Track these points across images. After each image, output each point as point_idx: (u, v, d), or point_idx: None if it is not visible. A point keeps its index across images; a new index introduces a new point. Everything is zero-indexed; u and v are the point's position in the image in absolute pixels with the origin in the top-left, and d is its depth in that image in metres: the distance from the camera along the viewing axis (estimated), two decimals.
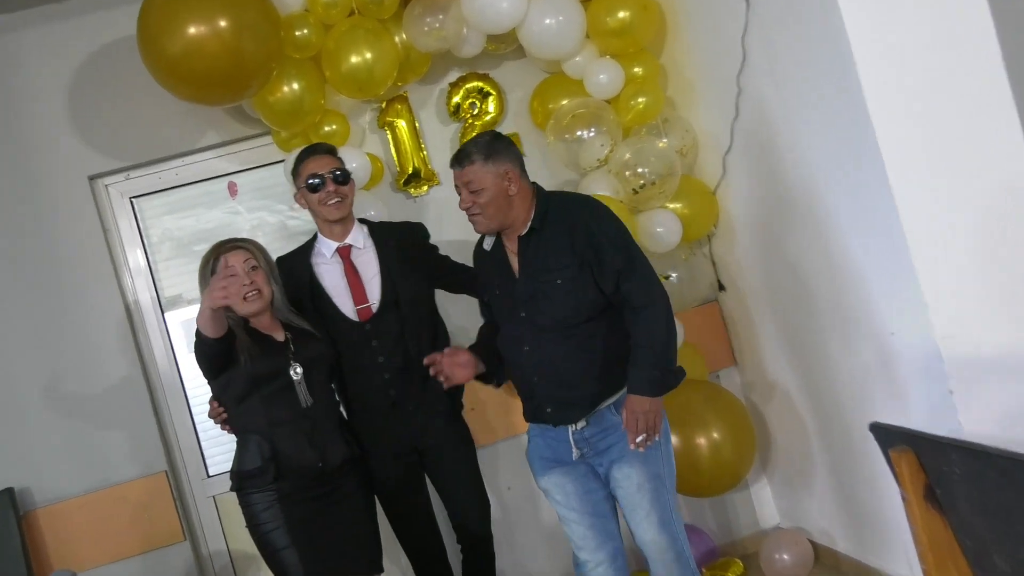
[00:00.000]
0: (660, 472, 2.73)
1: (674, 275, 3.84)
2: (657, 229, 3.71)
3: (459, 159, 2.72)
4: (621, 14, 3.68)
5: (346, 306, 3.01)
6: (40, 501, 3.64)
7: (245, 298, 2.78)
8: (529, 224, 2.71)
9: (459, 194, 2.74)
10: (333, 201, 2.98)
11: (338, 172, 3.01)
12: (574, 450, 2.75)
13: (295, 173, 3.06)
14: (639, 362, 2.62)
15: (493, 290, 2.86)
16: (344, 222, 3.07)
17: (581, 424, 2.72)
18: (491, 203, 2.68)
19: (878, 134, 2.58)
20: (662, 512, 2.71)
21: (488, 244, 2.84)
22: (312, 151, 3.05)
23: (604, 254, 2.64)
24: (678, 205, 3.78)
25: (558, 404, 2.73)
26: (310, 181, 2.98)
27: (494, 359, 2.88)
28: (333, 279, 3.04)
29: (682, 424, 3.57)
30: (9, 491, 3.53)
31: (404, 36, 3.63)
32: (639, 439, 2.59)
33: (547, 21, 3.59)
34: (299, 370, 2.87)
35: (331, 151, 3.09)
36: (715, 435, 3.61)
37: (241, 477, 2.87)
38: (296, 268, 3.12)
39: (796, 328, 3.52)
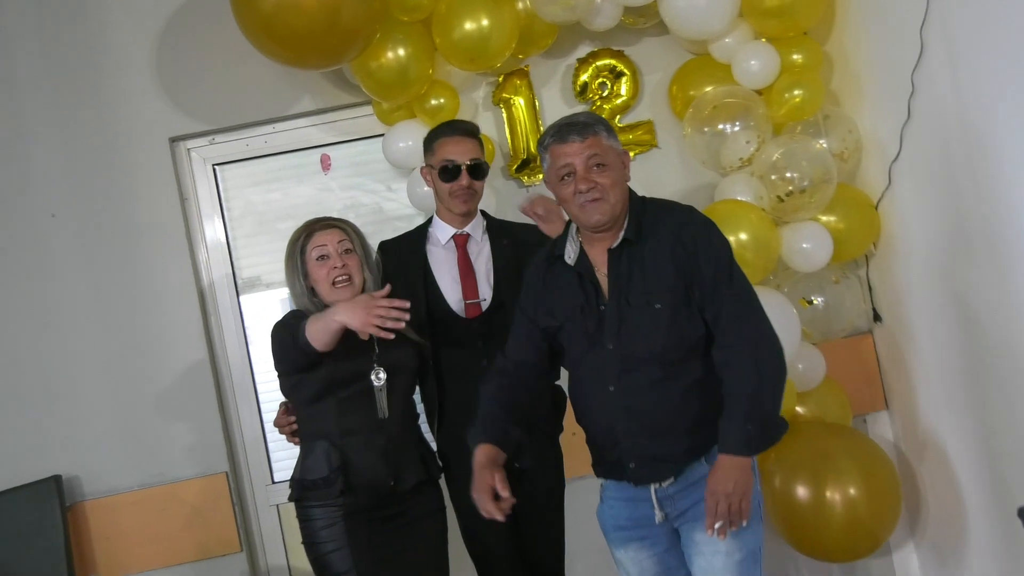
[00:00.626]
0: (754, 546, 2.34)
1: (819, 299, 3.36)
2: (803, 245, 3.24)
3: (583, 127, 2.28)
4: None
5: (453, 298, 2.79)
6: (89, 493, 3.39)
7: (334, 283, 2.58)
8: (622, 235, 2.30)
9: (559, 181, 2.31)
10: (463, 194, 2.78)
11: (476, 163, 2.79)
12: (657, 512, 2.34)
13: (428, 147, 2.84)
14: (735, 413, 2.22)
15: (568, 315, 2.36)
16: (469, 213, 2.85)
17: (668, 481, 2.32)
18: (616, 185, 2.27)
19: None
20: None
21: (571, 256, 2.36)
22: (453, 129, 2.83)
23: (706, 269, 2.25)
24: (832, 218, 3.29)
25: (644, 459, 2.31)
26: (444, 165, 2.75)
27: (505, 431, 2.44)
28: (444, 268, 2.82)
29: (813, 473, 3.15)
30: (56, 479, 3.27)
31: (528, 2, 3.23)
32: (718, 525, 2.20)
33: None
34: (382, 375, 2.61)
35: (473, 133, 2.84)
36: (852, 490, 3.13)
37: (303, 487, 2.62)
38: (406, 254, 2.90)
39: (967, 375, 3.02)
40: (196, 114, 3.47)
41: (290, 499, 2.68)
